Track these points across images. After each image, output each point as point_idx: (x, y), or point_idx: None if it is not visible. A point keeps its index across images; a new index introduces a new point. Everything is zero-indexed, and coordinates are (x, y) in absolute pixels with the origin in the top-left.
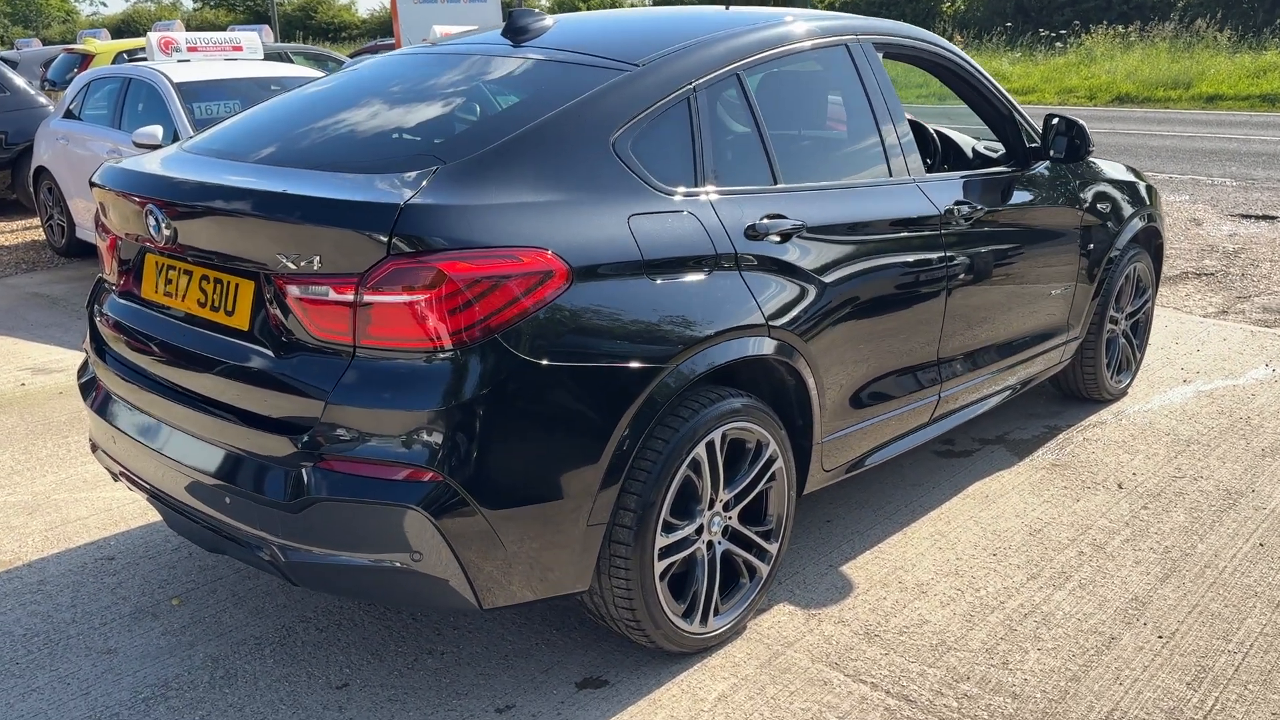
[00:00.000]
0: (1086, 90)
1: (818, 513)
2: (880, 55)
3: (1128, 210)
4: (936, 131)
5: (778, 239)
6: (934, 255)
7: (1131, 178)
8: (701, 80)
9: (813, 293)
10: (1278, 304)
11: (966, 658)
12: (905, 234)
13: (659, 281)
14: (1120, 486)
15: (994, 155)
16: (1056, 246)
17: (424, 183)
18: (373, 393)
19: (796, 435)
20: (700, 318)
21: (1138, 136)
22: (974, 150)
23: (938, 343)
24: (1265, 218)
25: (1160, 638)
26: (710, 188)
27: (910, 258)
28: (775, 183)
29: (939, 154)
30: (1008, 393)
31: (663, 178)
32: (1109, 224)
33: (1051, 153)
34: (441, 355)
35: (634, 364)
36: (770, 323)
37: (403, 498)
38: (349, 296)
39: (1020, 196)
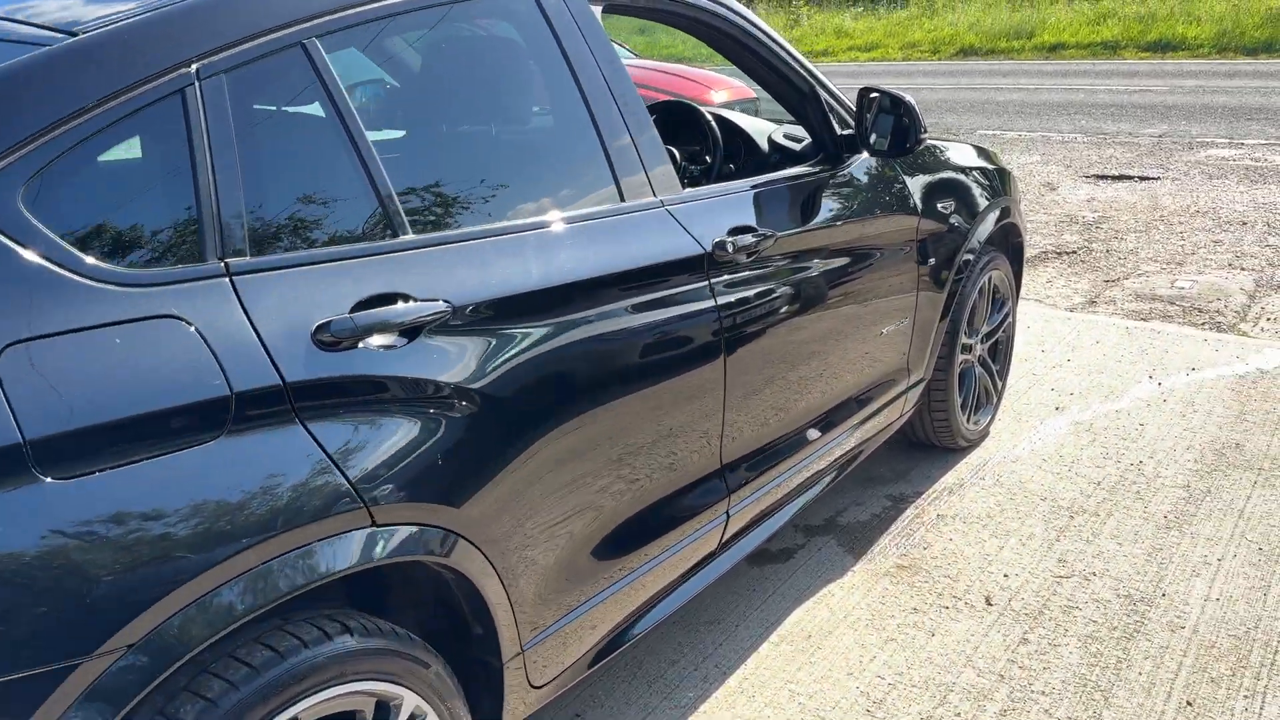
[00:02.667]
0: (930, 44)
1: (565, 708)
2: (598, 9)
3: (980, 205)
4: (715, 118)
5: (389, 341)
6: (700, 318)
7: (982, 162)
8: (216, 57)
9: (468, 426)
10: (1150, 288)
11: None
12: (649, 294)
13: (71, 486)
14: (989, 602)
15: (798, 148)
16: (886, 270)
17: None
18: None
19: (473, 650)
20: (192, 537)
21: (983, 90)
22: (772, 142)
23: (718, 441)
24: (1122, 178)
25: None
26: (233, 260)
27: (660, 329)
28: (388, 234)
29: (716, 151)
30: (830, 477)
31: (109, 251)
32: (955, 228)
33: (873, 141)
34: None
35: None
36: (376, 500)
37: None
38: None
39: (830, 208)
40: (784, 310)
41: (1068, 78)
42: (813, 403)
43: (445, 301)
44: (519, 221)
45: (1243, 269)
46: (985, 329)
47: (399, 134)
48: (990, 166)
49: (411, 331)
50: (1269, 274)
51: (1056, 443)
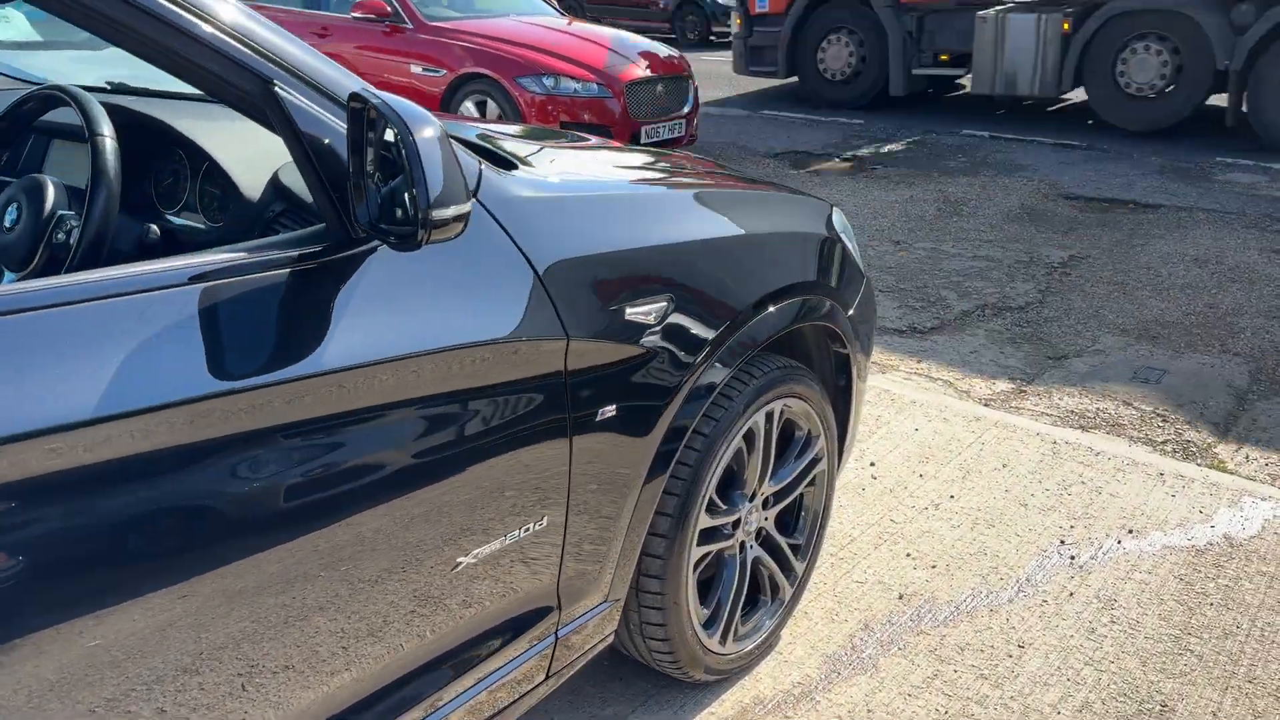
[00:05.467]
0: None
1: None
2: None
3: (740, 296)
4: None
5: None
6: None
7: (761, 217)
8: None
9: None
10: (1104, 375)
11: None
12: None
13: None
14: None
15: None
16: (480, 438)
17: None
18: None
19: None
20: None
21: None
22: (279, 185)
23: None
24: (1115, 203)
25: None
26: None
27: None
28: None
29: (192, 187)
30: None
31: None
32: (672, 337)
33: (356, 212)
34: None
35: None
36: None
37: None
38: None
39: (327, 332)
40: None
41: None
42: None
43: None
44: None
45: (1236, 353)
46: (769, 488)
47: None
48: (800, 230)
49: None
50: (1270, 364)
51: (877, 680)
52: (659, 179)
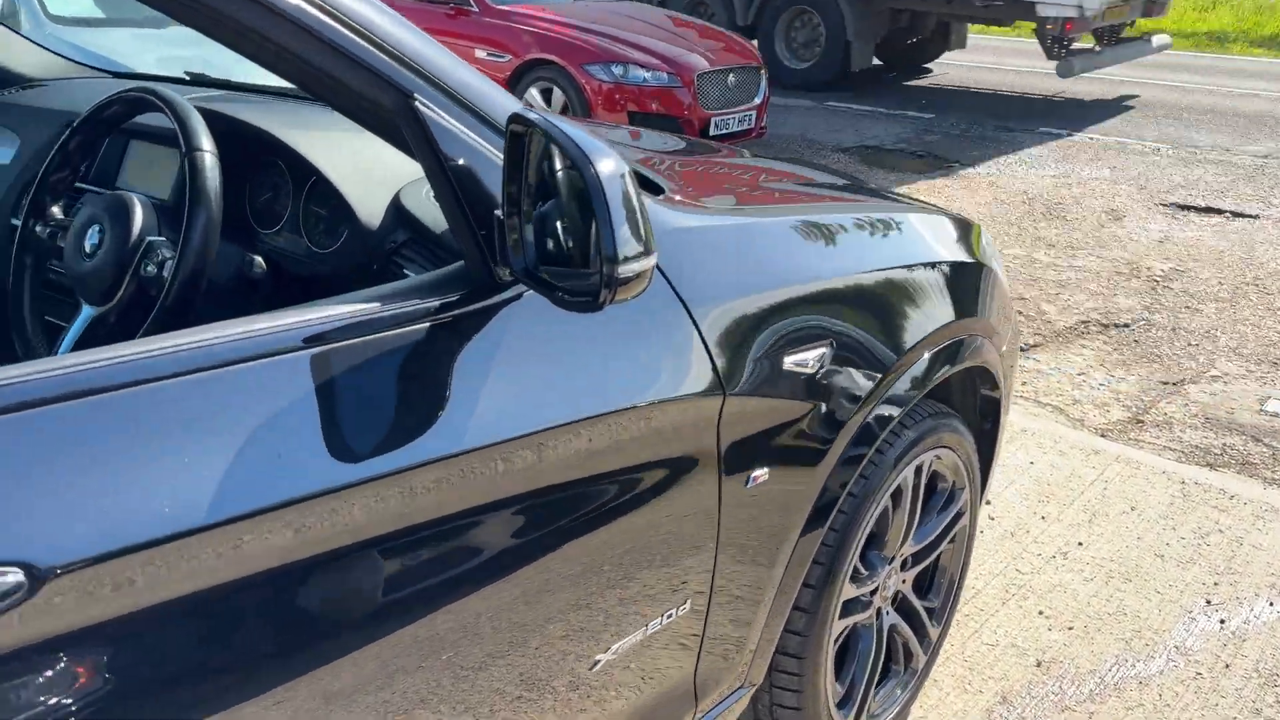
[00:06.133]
0: None
1: None
2: None
3: (905, 337)
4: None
5: None
6: None
7: (930, 245)
8: None
9: None
10: (1228, 405)
11: None
12: None
13: None
14: None
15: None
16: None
17: None
18: None
19: None
20: None
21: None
22: (401, 209)
23: None
24: (1209, 211)
25: None
26: None
27: None
28: None
29: (294, 207)
30: None
31: None
32: (831, 393)
33: (513, 259)
34: None
35: None
36: None
37: None
38: None
39: (453, 395)
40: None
41: (1160, 70)
42: None
43: None
44: None
45: None
46: (909, 548)
47: None
48: (952, 257)
49: None
50: None
51: None
52: (806, 197)
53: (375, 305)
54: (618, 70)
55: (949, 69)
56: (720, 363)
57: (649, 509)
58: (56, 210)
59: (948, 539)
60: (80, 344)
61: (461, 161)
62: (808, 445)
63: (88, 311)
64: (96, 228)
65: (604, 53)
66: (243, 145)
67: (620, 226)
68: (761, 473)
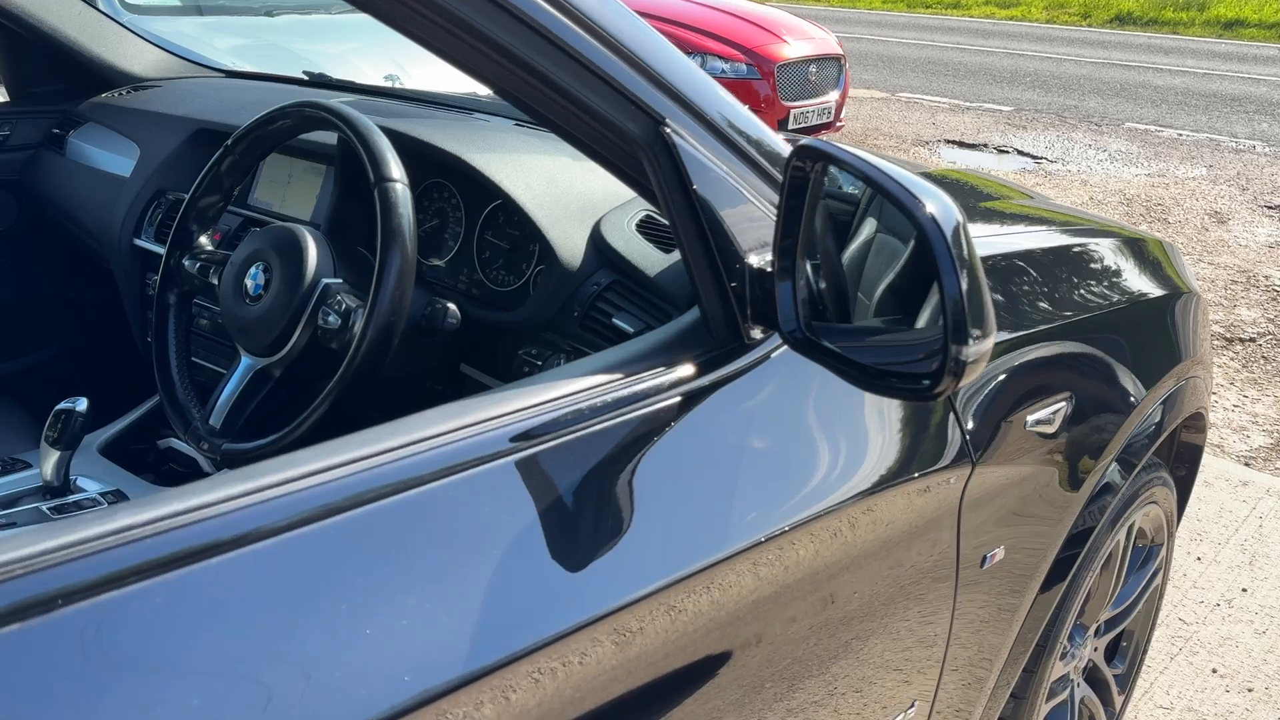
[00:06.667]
0: (1081, 6)
1: None
2: None
3: (1130, 391)
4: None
5: None
6: None
7: (1143, 282)
8: None
9: None
10: None
11: None
12: None
13: None
14: None
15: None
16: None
17: None
18: None
19: None
20: None
21: (1138, 70)
22: (601, 240)
23: None
24: None
25: None
26: None
27: None
28: None
29: (464, 237)
30: None
31: None
32: (1071, 458)
33: (800, 321)
34: None
35: None
36: None
37: None
38: None
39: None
40: None
41: (1246, 63)
42: None
43: None
44: None
45: None
46: (1107, 614)
47: None
48: (1166, 287)
49: None
50: None
51: None
52: (1024, 220)
53: (613, 376)
54: (694, 61)
55: (1021, 60)
56: (969, 426)
57: (890, 600)
58: (205, 240)
59: (1144, 599)
60: (240, 399)
61: (711, 200)
62: (1044, 515)
63: (247, 362)
64: (260, 265)
65: (679, 42)
66: (406, 163)
67: (975, 294)
68: (998, 552)
